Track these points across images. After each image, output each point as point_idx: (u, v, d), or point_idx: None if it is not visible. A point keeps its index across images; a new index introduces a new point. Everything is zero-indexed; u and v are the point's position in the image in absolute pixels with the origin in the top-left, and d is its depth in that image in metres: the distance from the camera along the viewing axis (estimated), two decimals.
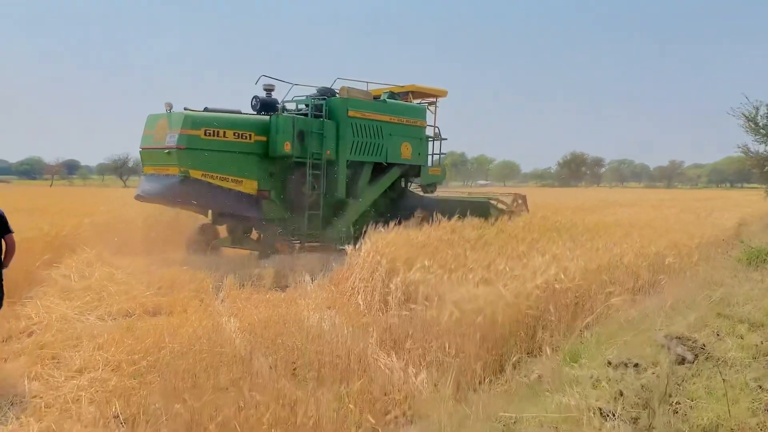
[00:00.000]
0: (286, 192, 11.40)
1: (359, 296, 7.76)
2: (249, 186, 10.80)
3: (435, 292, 6.48)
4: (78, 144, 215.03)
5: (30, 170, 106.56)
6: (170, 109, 10.34)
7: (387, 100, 13.02)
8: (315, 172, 11.43)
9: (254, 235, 11.79)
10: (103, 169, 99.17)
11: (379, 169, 12.82)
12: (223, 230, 11.77)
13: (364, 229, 9.21)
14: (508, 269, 7.02)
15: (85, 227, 10.17)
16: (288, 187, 11.37)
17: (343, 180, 11.99)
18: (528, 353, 5.81)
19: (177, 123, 10.05)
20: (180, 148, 9.93)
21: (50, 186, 63.49)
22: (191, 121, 10.04)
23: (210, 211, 11.40)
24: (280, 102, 11.73)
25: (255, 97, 11.48)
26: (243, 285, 8.57)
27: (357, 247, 8.87)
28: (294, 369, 5.06)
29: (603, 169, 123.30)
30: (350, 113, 11.94)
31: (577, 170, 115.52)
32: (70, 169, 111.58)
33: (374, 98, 12.95)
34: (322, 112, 11.66)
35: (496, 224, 10.80)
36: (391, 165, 12.88)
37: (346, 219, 11.95)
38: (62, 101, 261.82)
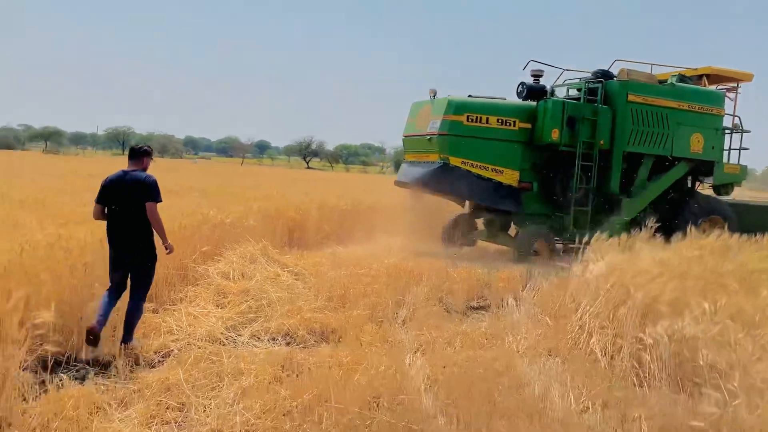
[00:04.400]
0: (550, 185, 10.52)
1: (593, 340, 5.53)
2: (510, 177, 10.13)
3: (727, 363, 4.12)
4: (269, 126, 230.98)
5: (227, 148, 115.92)
6: (434, 96, 10.17)
7: (675, 84, 11.11)
8: (585, 163, 10.25)
9: (513, 230, 11.02)
10: (289, 151, 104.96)
11: (661, 164, 11.03)
12: (480, 223, 11.35)
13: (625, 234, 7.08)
14: None
15: (253, 214, 8.91)
16: (553, 179, 10.51)
17: (617, 174, 10.55)
18: None
19: (440, 109, 9.87)
20: (442, 134, 9.71)
21: (241, 164, 67.69)
22: (454, 107, 9.77)
23: (467, 202, 10.95)
24: (549, 88, 10.89)
25: (522, 83, 10.70)
26: (429, 300, 6.76)
27: (580, 263, 6.68)
28: None
29: None
30: (630, 98, 10.40)
31: None
32: (261, 149, 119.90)
33: (659, 82, 11.26)
34: (596, 96, 10.45)
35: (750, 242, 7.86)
36: (676, 159, 11.00)
37: (618, 220, 10.26)
38: (262, 84, 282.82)
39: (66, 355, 4.52)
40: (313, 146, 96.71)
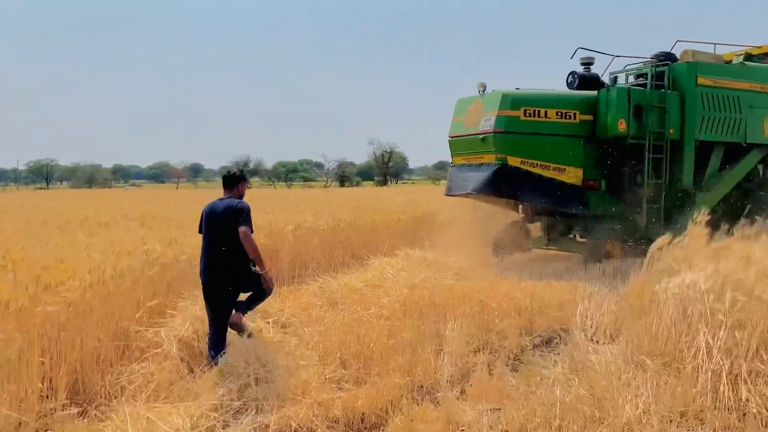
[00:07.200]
0: (617, 182, 9.49)
1: (742, 393, 3.79)
2: (573, 175, 9.12)
3: None
4: (201, 148, 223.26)
5: (159, 174, 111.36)
6: (483, 90, 9.25)
7: (745, 63, 10.11)
8: (656, 155, 9.26)
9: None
10: (225, 172, 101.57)
11: (732, 152, 10.03)
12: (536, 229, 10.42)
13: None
14: None
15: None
16: (621, 175, 9.51)
17: (690, 165, 9.56)
18: None
19: (493, 104, 8.89)
20: (497, 131, 8.72)
21: (176, 188, 64.58)
22: (510, 101, 8.78)
23: (521, 207, 10.04)
24: (601, 77, 9.88)
25: (572, 73, 9.77)
26: (470, 344, 4.92)
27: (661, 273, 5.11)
28: None
29: None
30: (699, 81, 9.43)
31: None
32: (195, 172, 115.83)
33: (725, 63, 10.35)
34: (662, 81, 9.45)
35: None
36: (749, 146, 10.03)
37: (691, 215, 8.78)
38: (188, 107, 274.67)
39: None
40: (251, 165, 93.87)
